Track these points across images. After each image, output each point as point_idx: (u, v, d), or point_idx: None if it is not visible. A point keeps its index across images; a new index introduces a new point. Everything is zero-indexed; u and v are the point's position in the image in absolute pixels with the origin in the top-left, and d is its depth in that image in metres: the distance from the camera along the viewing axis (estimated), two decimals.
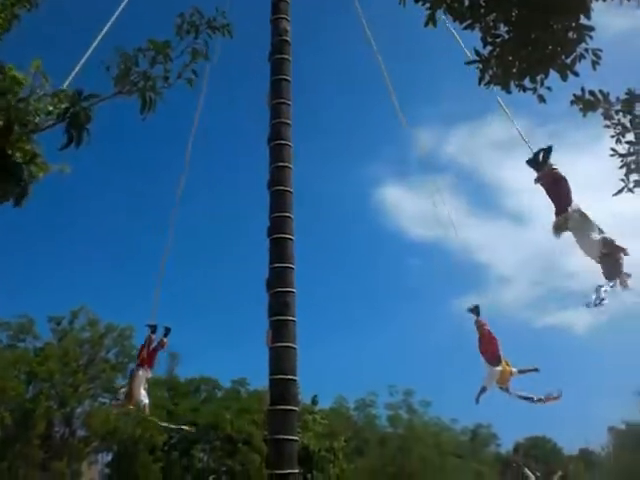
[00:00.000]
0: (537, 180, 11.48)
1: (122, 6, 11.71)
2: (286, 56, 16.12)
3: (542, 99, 6.19)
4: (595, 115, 6.64)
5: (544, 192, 11.45)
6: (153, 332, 16.46)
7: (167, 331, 16.48)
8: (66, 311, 47.38)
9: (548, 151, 11.55)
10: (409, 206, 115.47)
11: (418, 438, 52.84)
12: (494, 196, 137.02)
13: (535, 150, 11.61)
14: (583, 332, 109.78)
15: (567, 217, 10.77)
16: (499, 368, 13.93)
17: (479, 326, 14.22)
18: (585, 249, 10.67)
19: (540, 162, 11.61)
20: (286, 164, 15.15)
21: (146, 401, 15.96)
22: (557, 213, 11.01)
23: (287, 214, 14.75)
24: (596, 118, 6.66)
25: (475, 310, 14.38)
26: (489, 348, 14.10)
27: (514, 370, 14.13)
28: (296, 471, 13.24)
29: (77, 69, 8.18)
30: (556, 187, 11.23)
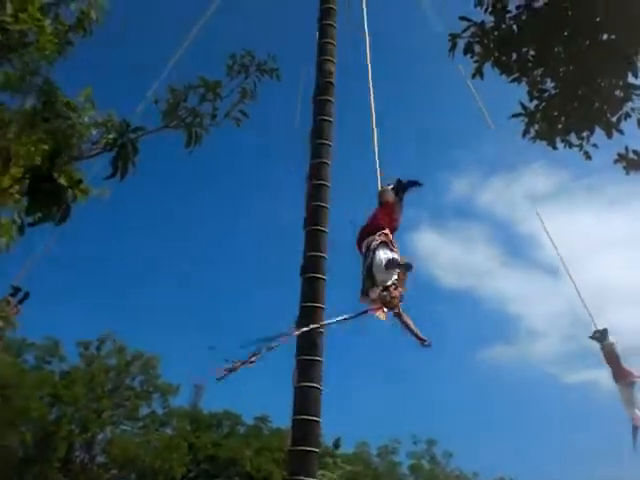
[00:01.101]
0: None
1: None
2: (330, 98, 16.28)
3: (588, 156, 6.18)
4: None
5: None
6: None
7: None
8: (92, 335, 47.79)
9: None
10: (443, 253, 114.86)
11: None
12: (530, 248, 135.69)
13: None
14: (609, 391, 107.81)
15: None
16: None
17: (608, 351, 14.11)
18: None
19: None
20: (323, 204, 15.21)
21: None
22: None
23: (321, 254, 14.76)
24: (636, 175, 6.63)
25: (601, 335, 14.32)
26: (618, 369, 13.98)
27: None
28: None
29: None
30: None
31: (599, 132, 6.08)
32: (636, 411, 13.66)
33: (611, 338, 14.34)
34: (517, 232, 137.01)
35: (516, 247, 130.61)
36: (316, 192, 15.28)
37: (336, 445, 58.07)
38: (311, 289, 14.42)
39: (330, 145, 15.92)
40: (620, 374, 13.90)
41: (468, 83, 13.92)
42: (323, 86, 16.31)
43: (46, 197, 5.87)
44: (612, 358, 14.02)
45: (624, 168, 6.51)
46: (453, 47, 6.11)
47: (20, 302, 16.22)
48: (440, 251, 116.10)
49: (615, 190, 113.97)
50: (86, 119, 6.35)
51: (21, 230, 6.96)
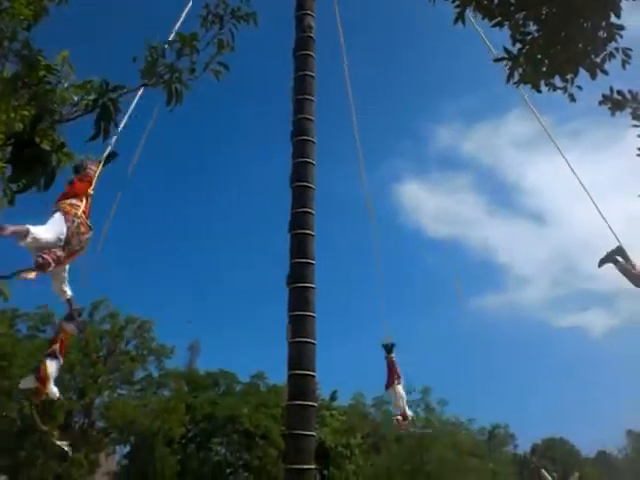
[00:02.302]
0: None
1: None
2: (310, 52, 16.14)
3: (572, 98, 6.13)
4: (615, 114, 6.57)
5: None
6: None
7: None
8: (86, 302, 47.79)
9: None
10: (428, 203, 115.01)
11: (435, 437, 52.68)
12: (515, 195, 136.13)
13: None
14: (600, 334, 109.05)
15: None
16: None
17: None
18: None
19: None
20: (309, 160, 15.16)
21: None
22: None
23: (309, 210, 14.77)
24: (617, 118, 6.60)
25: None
26: None
27: None
28: (313, 467, 13.26)
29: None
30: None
31: (582, 75, 6.05)
32: None
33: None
34: (502, 180, 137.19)
35: (501, 195, 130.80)
36: (301, 149, 15.22)
37: (333, 398, 58.63)
38: (300, 245, 14.45)
39: (313, 100, 15.81)
40: None
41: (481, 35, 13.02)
42: (303, 40, 16.15)
43: (30, 163, 5.81)
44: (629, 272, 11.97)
45: (609, 109, 6.49)
46: None
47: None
48: (425, 201, 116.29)
49: (597, 134, 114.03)
50: (65, 83, 6.26)
51: (11, 202, 6.86)
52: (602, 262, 12.44)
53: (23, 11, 6.48)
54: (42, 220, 6.87)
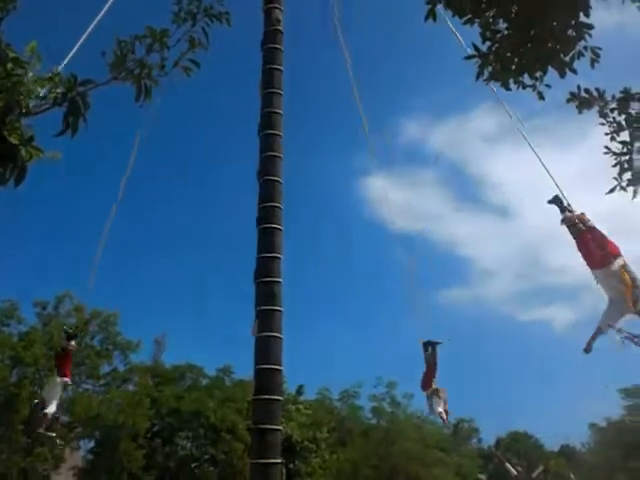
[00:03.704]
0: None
1: None
2: (278, 46, 16.07)
3: (541, 96, 6.19)
4: (576, 111, 6.66)
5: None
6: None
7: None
8: (51, 296, 47.27)
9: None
10: (395, 197, 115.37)
11: (401, 430, 52.98)
12: (480, 190, 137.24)
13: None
14: (564, 328, 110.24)
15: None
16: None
17: (575, 223, 11.67)
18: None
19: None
20: (276, 154, 15.13)
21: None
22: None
23: (276, 204, 14.74)
24: (582, 115, 6.68)
25: (558, 203, 12.26)
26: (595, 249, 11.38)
27: None
28: (279, 461, 13.27)
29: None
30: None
31: (549, 73, 6.10)
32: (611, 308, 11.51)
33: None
34: (467, 175, 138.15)
35: (466, 190, 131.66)
36: (268, 142, 15.18)
37: (299, 392, 58.66)
38: (267, 239, 14.43)
39: (281, 94, 15.77)
40: (591, 254, 11.48)
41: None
42: (271, 34, 16.08)
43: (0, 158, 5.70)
44: (580, 233, 11.67)
45: (576, 107, 6.57)
46: None
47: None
48: (392, 195, 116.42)
49: (563, 131, 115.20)
50: (30, 74, 6.15)
51: None
52: (550, 202, 12.41)
53: None
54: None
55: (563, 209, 12.18)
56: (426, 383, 16.90)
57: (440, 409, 16.84)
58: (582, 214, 11.80)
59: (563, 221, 11.92)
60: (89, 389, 47.83)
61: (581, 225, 11.59)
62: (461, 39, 12.55)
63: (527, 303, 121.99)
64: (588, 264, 11.41)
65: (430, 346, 17.13)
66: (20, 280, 71.03)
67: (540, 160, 12.78)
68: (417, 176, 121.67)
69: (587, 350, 11.82)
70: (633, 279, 11.09)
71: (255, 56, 16.26)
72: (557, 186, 12.38)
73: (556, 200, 12.38)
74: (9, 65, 5.85)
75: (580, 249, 11.55)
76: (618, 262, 11.17)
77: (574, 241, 11.67)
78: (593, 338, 11.69)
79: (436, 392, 16.70)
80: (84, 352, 46.11)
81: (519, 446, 71.76)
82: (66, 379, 16.46)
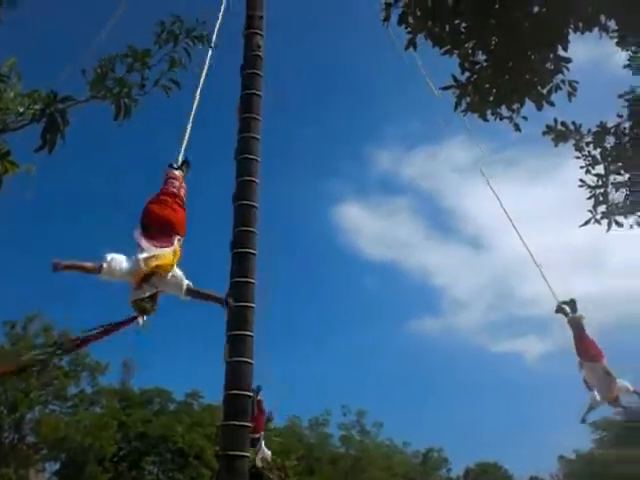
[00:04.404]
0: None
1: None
2: (257, 71, 16.12)
3: (518, 128, 6.25)
4: (550, 144, 6.75)
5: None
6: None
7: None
8: (20, 316, 46.74)
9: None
10: (367, 226, 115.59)
11: (370, 459, 52.83)
12: (452, 220, 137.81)
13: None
14: (534, 359, 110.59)
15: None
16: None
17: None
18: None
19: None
20: (252, 178, 15.12)
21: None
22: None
23: (251, 229, 14.71)
24: (552, 148, 6.76)
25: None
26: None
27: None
28: None
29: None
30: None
31: (527, 105, 6.16)
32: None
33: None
34: (440, 205, 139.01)
35: (439, 220, 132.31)
36: (245, 167, 15.18)
37: (268, 419, 58.16)
38: (241, 264, 14.37)
39: (259, 119, 15.80)
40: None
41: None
42: (251, 59, 16.14)
43: None
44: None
45: (552, 140, 6.64)
46: (387, 17, 6.09)
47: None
48: (365, 224, 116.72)
49: (535, 163, 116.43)
50: (11, 92, 6.11)
51: None
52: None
53: None
54: None
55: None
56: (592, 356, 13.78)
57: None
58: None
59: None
60: (56, 410, 47.19)
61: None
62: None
63: (499, 334, 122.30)
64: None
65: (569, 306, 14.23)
66: None
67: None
68: (390, 205, 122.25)
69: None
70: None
71: (234, 81, 16.30)
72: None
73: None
74: None
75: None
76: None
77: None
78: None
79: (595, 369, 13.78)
80: (52, 373, 45.53)
81: (488, 477, 71.53)
82: None
